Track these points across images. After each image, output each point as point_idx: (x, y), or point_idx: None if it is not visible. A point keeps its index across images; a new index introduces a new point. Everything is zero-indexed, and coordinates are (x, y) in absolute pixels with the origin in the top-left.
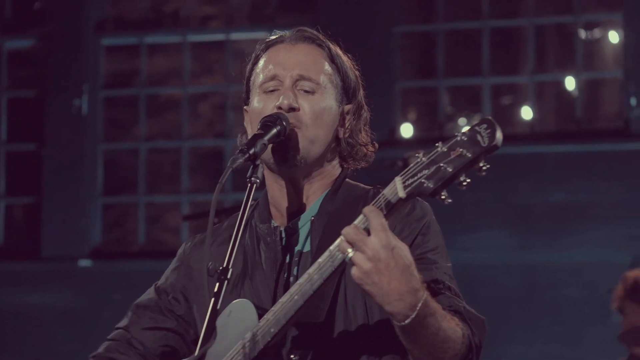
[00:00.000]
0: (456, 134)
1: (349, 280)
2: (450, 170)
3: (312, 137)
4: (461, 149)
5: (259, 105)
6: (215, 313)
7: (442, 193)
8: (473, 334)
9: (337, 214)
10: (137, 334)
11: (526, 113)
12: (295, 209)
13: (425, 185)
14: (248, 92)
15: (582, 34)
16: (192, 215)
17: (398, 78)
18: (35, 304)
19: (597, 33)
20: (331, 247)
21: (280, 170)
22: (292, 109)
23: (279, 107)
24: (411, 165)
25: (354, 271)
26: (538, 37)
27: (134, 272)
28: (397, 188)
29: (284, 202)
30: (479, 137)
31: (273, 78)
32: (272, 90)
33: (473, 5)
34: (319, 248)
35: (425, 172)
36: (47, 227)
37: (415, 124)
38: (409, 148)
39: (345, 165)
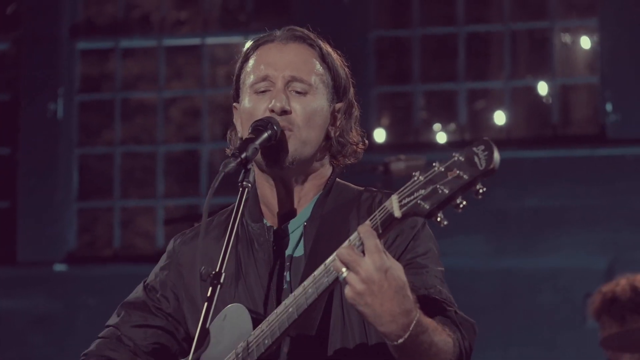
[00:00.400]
0: (453, 153)
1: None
2: (447, 192)
3: (304, 139)
4: (458, 171)
5: (250, 105)
6: (207, 318)
7: (438, 215)
8: (463, 338)
9: (330, 217)
10: (127, 331)
11: (499, 118)
12: (287, 209)
13: (421, 206)
14: (238, 90)
15: (565, 38)
16: (173, 219)
17: (374, 83)
18: (11, 309)
19: (570, 38)
20: (326, 262)
21: (271, 171)
22: (284, 112)
23: (271, 110)
24: (408, 183)
25: (347, 291)
26: (513, 43)
27: (109, 277)
28: (393, 207)
29: (275, 202)
30: (476, 159)
31: (264, 79)
32: (263, 91)
33: (448, 11)
34: (312, 253)
35: (422, 192)
36: (22, 232)
37: (390, 129)
38: (384, 153)
39: (334, 163)
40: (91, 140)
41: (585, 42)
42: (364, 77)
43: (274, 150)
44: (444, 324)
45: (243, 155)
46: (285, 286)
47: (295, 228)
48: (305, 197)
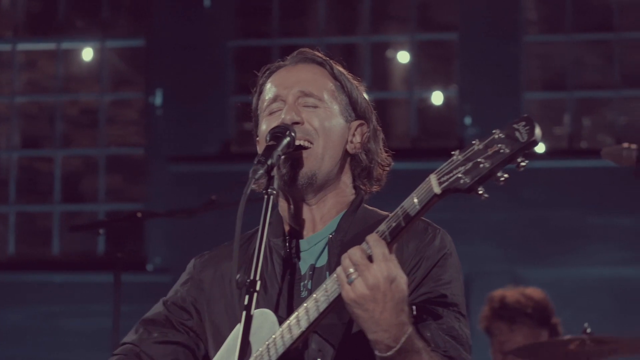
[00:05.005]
0: (493, 131)
1: None
2: (488, 165)
3: (321, 152)
4: (499, 145)
5: (265, 127)
6: (248, 327)
7: (479, 189)
8: None
9: (356, 236)
10: (146, 348)
11: None
12: (308, 226)
13: (462, 180)
14: (257, 122)
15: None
16: (80, 226)
17: (232, 92)
18: None
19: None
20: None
21: (291, 190)
22: (295, 123)
23: (282, 123)
24: (446, 163)
25: (349, 292)
26: (374, 55)
27: None
28: (431, 184)
29: (295, 220)
30: (517, 134)
31: (276, 99)
32: (276, 111)
33: (308, 22)
34: (337, 264)
35: (462, 168)
36: None
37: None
38: (242, 161)
39: (361, 187)
40: None
41: (403, 57)
42: (222, 86)
43: (293, 167)
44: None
45: (269, 162)
46: (304, 294)
47: (319, 241)
48: (328, 214)
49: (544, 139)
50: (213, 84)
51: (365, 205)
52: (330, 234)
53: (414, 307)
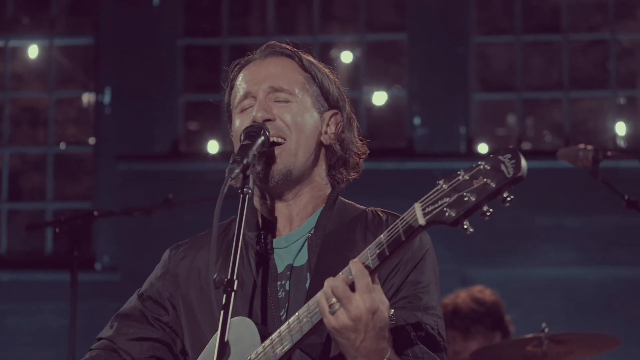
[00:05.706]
0: (478, 162)
1: None
2: (474, 200)
3: (294, 147)
4: (485, 179)
5: (238, 124)
6: (225, 327)
7: (464, 222)
8: None
9: (335, 232)
10: (123, 345)
11: None
12: (284, 222)
13: (447, 214)
14: (230, 118)
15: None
16: (36, 224)
17: (182, 91)
18: None
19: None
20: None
21: (267, 187)
22: (266, 120)
23: (254, 122)
24: (431, 192)
25: (332, 321)
26: (324, 55)
27: None
28: (416, 215)
29: (272, 216)
30: (503, 167)
31: (246, 96)
32: (247, 108)
33: (258, 21)
34: (317, 264)
35: (447, 200)
36: None
37: (201, 136)
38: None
39: (338, 176)
40: None
41: (347, 57)
42: (172, 84)
43: (267, 164)
44: None
45: (245, 161)
46: (282, 294)
47: (297, 239)
48: (304, 211)
49: (490, 139)
50: (162, 82)
51: (342, 198)
52: (309, 232)
53: (392, 311)
